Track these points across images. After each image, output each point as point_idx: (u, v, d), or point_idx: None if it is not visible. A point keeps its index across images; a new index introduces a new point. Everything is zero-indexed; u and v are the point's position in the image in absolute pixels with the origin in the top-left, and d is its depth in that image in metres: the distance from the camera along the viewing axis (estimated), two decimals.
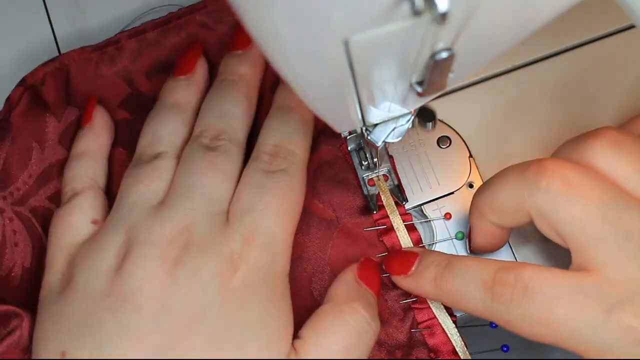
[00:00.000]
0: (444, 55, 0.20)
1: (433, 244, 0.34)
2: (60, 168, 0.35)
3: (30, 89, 0.34)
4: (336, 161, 0.35)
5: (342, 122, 0.28)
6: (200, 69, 0.35)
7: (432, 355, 0.32)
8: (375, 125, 0.28)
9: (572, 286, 0.25)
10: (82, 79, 0.36)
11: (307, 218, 0.34)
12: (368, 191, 0.35)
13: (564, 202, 0.26)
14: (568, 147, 0.28)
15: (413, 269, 0.30)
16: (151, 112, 0.34)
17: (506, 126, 0.36)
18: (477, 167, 0.35)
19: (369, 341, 0.29)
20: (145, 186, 0.30)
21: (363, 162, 0.35)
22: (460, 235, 0.34)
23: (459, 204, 0.35)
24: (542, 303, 0.25)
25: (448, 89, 0.33)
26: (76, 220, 0.31)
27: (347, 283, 0.31)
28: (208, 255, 0.28)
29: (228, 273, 0.28)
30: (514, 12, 0.20)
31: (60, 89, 0.36)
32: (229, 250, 0.28)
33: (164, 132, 0.32)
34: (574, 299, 0.25)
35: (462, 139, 0.36)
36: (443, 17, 0.16)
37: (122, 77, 0.36)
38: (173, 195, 0.30)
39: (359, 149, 0.35)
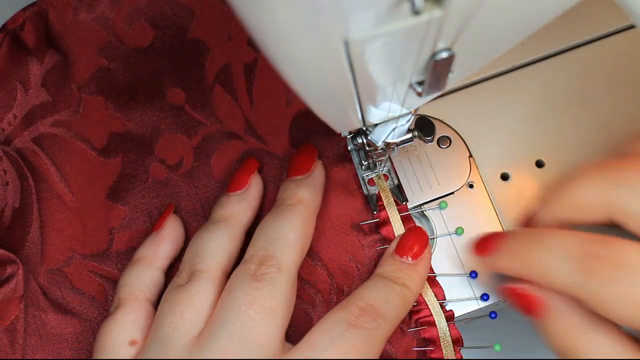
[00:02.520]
0: (444, 55, 0.20)
1: (433, 238, 0.34)
2: (43, 111, 0.35)
3: (10, 34, 0.35)
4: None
5: (342, 122, 0.28)
6: (254, 185, 0.34)
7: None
8: (375, 125, 0.28)
9: None
10: (61, 24, 0.36)
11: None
12: (368, 191, 0.35)
13: (623, 281, 0.24)
14: None
15: (500, 246, 0.30)
16: (199, 229, 0.33)
17: (506, 126, 0.36)
18: (477, 167, 0.35)
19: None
20: (178, 317, 0.28)
21: (363, 162, 0.35)
22: (460, 231, 0.34)
23: (459, 203, 0.35)
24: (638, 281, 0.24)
25: (448, 89, 0.33)
26: (113, 341, 0.30)
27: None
28: None
29: None
30: (514, 12, 0.20)
31: (40, 33, 0.36)
32: None
33: (207, 248, 0.31)
34: None
35: (462, 139, 0.36)
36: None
37: (100, 23, 0.37)
38: (209, 331, 0.28)
39: (359, 149, 0.35)
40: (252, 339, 0.27)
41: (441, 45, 0.19)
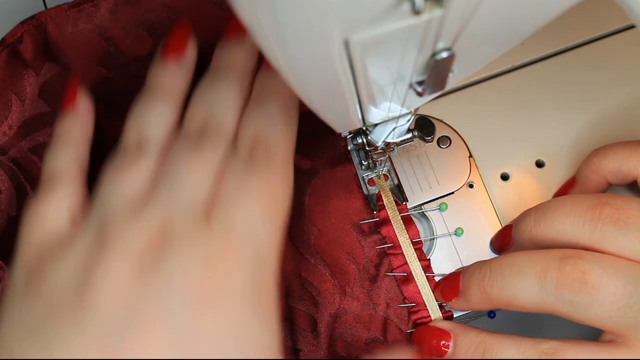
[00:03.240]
0: (444, 55, 0.20)
1: (433, 238, 0.34)
2: (42, 121, 0.35)
3: (8, 47, 0.35)
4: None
5: (342, 122, 0.28)
6: (190, 49, 0.33)
7: (406, 301, 0.33)
8: (375, 125, 0.28)
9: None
10: (60, 36, 0.36)
11: None
12: (368, 191, 0.35)
13: (589, 306, 0.26)
14: (574, 227, 0.28)
15: (461, 287, 0.30)
16: (137, 97, 0.32)
17: (506, 126, 0.36)
18: (477, 167, 0.35)
19: None
20: (124, 179, 0.28)
21: (363, 162, 0.35)
22: (460, 232, 0.34)
23: (459, 203, 0.35)
24: None
25: (448, 89, 0.33)
26: (50, 211, 0.29)
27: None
28: (182, 254, 0.25)
29: (204, 276, 0.25)
30: (514, 12, 0.20)
31: (38, 46, 0.36)
32: (206, 249, 0.25)
33: (148, 118, 0.30)
34: None
35: (462, 139, 0.36)
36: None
37: (99, 34, 0.37)
38: (152, 192, 0.27)
39: (359, 148, 0.35)
40: (191, 193, 0.27)
41: (441, 45, 0.19)
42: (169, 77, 0.32)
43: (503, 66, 0.37)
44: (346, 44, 0.18)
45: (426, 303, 0.33)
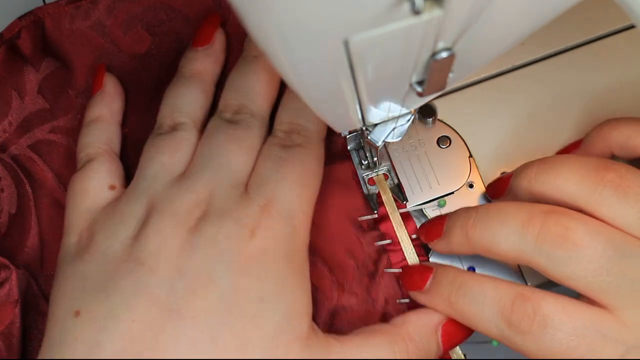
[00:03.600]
0: (444, 55, 0.20)
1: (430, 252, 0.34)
2: (41, 118, 0.36)
3: (6, 43, 0.35)
4: None
5: (342, 122, 0.28)
6: (219, 40, 0.35)
7: (405, 296, 0.33)
8: (375, 125, 0.28)
9: (592, 324, 0.25)
10: (58, 32, 0.36)
11: None
12: (368, 190, 0.35)
13: (566, 262, 0.26)
14: (575, 185, 0.27)
15: (427, 285, 0.30)
16: (170, 83, 0.34)
17: (506, 126, 0.36)
18: (477, 167, 0.35)
19: None
20: (167, 156, 0.31)
21: (363, 161, 0.35)
22: (442, 203, 0.34)
23: (459, 204, 0.35)
24: (561, 339, 0.25)
25: (448, 88, 0.33)
26: (94, 186, 0.31)
27: (426, 323, 0.30)
28: (226, 223, 0.28)
29: (245, 242, 0.27)
30: (514, 12, 0.20)
31: (36, 41, 0.36)
32: (246, 220, 0.28)
33: (182, 102, 0.33)
34: (594, 338, 0.25)
35: (462, 139, 0.36)
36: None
37: (97, 30, 0.37)
38: (194, 167, 0.30)
39: (359, 148, 0.35)
40: (231, 169, 0.30)
41: (441, 45, 0.19)
42: (199, 63, 0.34)
43: (503, 66, 0.37)
44: (346, 44, 0.18)
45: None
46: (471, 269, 0.33)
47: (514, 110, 0.37)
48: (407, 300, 0.33)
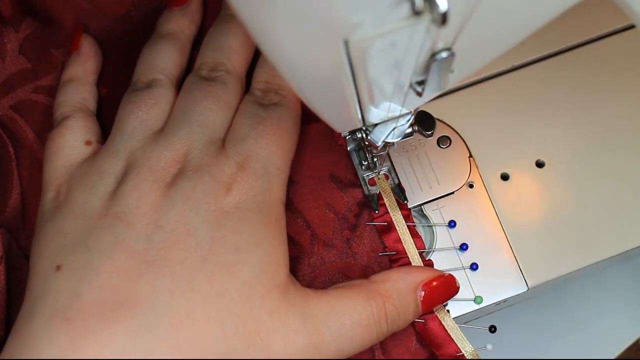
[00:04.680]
0: (444, 55, 0.20)
1: (431, 251, 0.34)
2: (23, 77, 0.36)
3: None
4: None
5: (342, 122, 0.28)
6: (195, 0, 0.36)
7: (386, 250, 0.33)
8: (375, 125, 0.28)
9: None
10: None
11: None
12: (369, 191, 0.35)
13: None
14: None
15: None
16: (147, 42, 0.35)
17: (506, 126, 0.36)
18: (477, 167, 0.35)
19: (379, 336, 0.29)
20: (144, 112, 0.31)
21: (363, 162, 0.35)
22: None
23: (459, 204, 0.35)
24: None
25: (448, 89, 0.33)
26: (69, 142, 0.32)
27: (406, 282, 0.30)
28: (202, 178, 0.28)
29: (221, 196, 0.28)
30: (514, 12, 0.20)
31: (15, 3, 0.36)
32: (223, 175, 0.29)
33: (158, 60, 0.33)
34: None
35: (462, 139, 0.36)
36: (443, 17, 0.16)
37: None
38: (171, 123, 0.30)
39: (359, 148, 0.35)
40: (208, 125, 0.30)
41: (441, 45, 0.19)
42: (175, 23, 0.35)
43: (503, 66, 0.37)
44: (346, 44, 0.18)
45: (407, 251, 0.33)
46: (474, 265, 0.33)
47: (514, 110, 0.37)
48: (390, 253, 0.33)
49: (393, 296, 0.29)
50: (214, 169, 0.29)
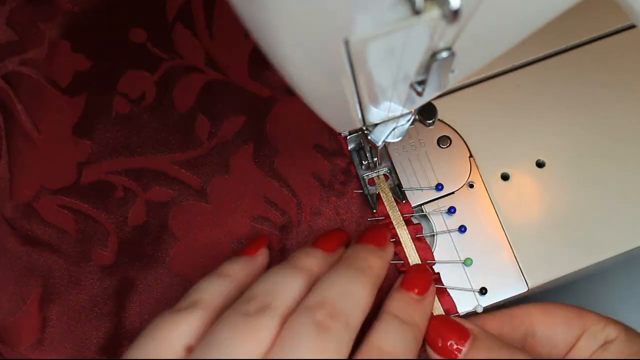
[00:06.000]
0: (444, 55, 0.20)
1: (433, 235, 0.34)
2: (10, 49, 0.37)
3: None
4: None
5: (342, 122, 0.28)
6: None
7: (375, 214, 0.34)
8: (375, 125, 0.28)
9: None
10: None
11: None
12: (368, 190, 0.35)
13: None
14: None
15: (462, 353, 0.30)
16: (282, 266, 0.31)
17: (506, 126, 0.36)
18: (477, 167, 0.35)
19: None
20: (240, 342, 0.27)
21: (363, 161, 0.35)
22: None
23: (459, 203, 0.35)
24: None
25: (448, 88, 0.33)
26: (174, 337, 0.28)
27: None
28: None
29: None
30: (514, 12, 0.20)
31: None
32: None
33: (285, 287, 0.29)
34: None
35: (462, 139, 0.36)
36: (455, 13, 0.16)
37: None
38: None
39: (359, 148, 0.35)
40: None
41: (441, 45, 0.19)
42: (312, 259, 0.31)
43: (503, 66, 0.37)
44: (346, 44, 0.18)
45: (392, 217, 0.34)
46: (462, 228, 0.34)
47: (514, 110, 0.37)
48: (379, 218, 0.34)
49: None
50: None
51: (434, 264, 0.34)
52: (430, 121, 0.30)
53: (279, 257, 0.34)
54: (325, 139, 0.35)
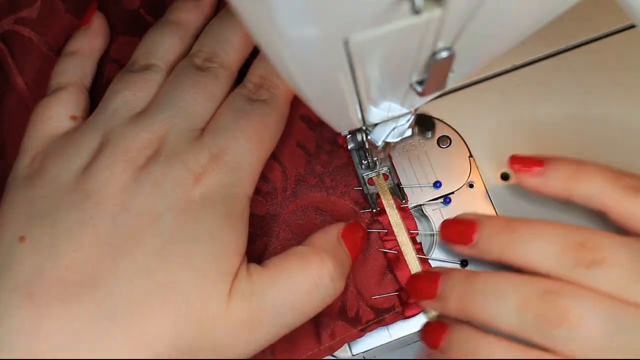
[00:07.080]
0: (444, 54, 0.20)
1: (432, 234, 0.34)
2: (5, 9, 0.37)
3: None
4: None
5: (342, 122, 0.28)
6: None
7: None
8: (375, 125, 0.28)
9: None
10: None
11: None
12: (368, 190, 0.35)
13: (567, 341, 0.26)
14: (554, 263, 0.28)
15: (438, 291, 0.30)
16: (153, 26, 0.35)
17: (506, 126, 0.36)
18: (477, 167, 0.35)
19: (326, 298, 0.29)
20: (131, 93, 0.31)
21: (363, 161, 0.35)
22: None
23: (459, 203, 0.35)
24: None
25: (448, 88, 0.33)
26: (55, 112, 0.32)
27: (328, 237, 0.31)
28: (173, 165, 0.28)
29: (189, 185, 0.28)
30: (514, 12, 0.20)
31: None
32: (194, 165, 0.29)
33: (159, 46, 0.33)
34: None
35: (462, 139, 0.36)
36: None
37: None
38: (154, 106, 0.31)
39: (359, 148, 0.35)
40: (190, 114, 0.30)
41: (441, 44, 0.19)
42: (185, 12, 0.35)
43: (503, 66, 0.37)
44: (346, 44, 0.18)
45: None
46: (437, 183, 0.34)
47: (514, 110, 0.37)
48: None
49: (329, 251, 0.30)
50: (187, 157, 0.29)
51: (417, 234, 0.34)
52: (429, 132, 0.31)
53: (263, 222, 0.34)
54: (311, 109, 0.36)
